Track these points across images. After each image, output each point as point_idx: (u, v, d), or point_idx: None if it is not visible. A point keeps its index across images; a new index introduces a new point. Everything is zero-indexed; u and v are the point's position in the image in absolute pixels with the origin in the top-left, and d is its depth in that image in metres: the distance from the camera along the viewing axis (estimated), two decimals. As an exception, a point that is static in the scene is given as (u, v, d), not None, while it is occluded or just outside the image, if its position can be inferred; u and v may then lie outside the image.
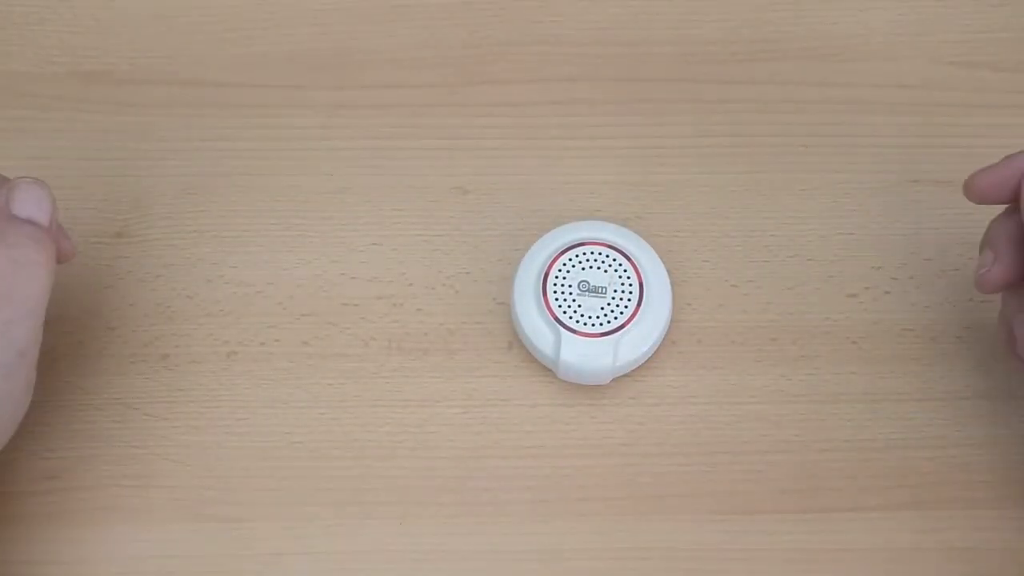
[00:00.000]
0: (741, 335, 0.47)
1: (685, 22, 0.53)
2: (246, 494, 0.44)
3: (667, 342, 0.47)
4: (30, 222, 0.38)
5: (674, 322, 0.47)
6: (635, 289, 0.45)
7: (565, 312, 0.44)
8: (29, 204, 0.38)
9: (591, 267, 0.45)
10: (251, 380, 0.46)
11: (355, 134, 0.51)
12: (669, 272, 0.46)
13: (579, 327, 0.44)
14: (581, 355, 0.44)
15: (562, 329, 0.44)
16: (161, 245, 0.49)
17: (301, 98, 0.52)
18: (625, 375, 0.46)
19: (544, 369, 0.46)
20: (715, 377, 0.46)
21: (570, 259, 0.45)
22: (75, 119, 0.51)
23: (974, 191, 0.41)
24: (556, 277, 0.45)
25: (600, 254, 0.45)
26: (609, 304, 0.44)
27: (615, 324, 0.44)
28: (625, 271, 0.45)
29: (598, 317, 0.44)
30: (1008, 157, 0.41)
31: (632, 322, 0.44)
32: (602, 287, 0.45)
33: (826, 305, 0.47)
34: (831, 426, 0.45)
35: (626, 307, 0.44)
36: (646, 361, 0.46)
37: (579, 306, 0.44)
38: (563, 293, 0.45)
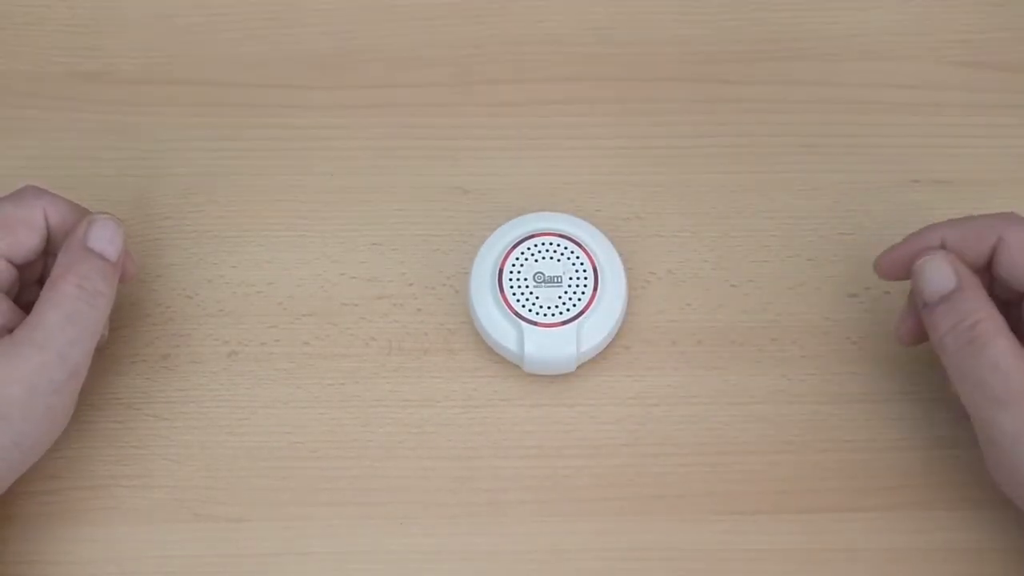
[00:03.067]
0: (741, 335, 0.47)
1: (686, 22, 0.53)
2: (246, 494, 0.44)
3: (667, 342, 0.47)
4: (101, 256, 0.41)
5: (675, 323, 0.47)
6: (589, 274, 0.45)
7: (524, 306, 0.44)
8: (103, 240, 0.42)
9: (543, 258, 0.45)
10: (251, 380, 0.46)
11: (355, 134, 0.51)
12: (620, 253, 0.46)
13: (540, 319, 0.44)
14: (545, 346, 0.44)
15: (523, 323, 0.44)
16: (161, 245, 0.49)
17: (301, 98, 0.52)
18: (626, 375, 0.46)
19: (544, 369, 0.46)
20: (715, 377, 0.46)
21: (521, 253, 0.45)
22: (75, 119, 0.51)
23: (879, 270, 0.44)
24: (511, 273, 0.45)
25: (551, 244, 0.45)
26: (566, 292, 0.45)
27: (575, 311, 0.44)
28: (578, 258, 0.45)
29: (557, 306, 0.44)
30: (908, 236, 0.43)
31: (591, 307, 0.44)
32: (557, 276, 0.45)
33: (826, 305, 0.47)
34: (831, 426, 0.45)
35: (583, 293, 0.45)
36: (647, 362, 0.46)
37: (537, 298, 0.44)
38: (519, 288, 0.45)
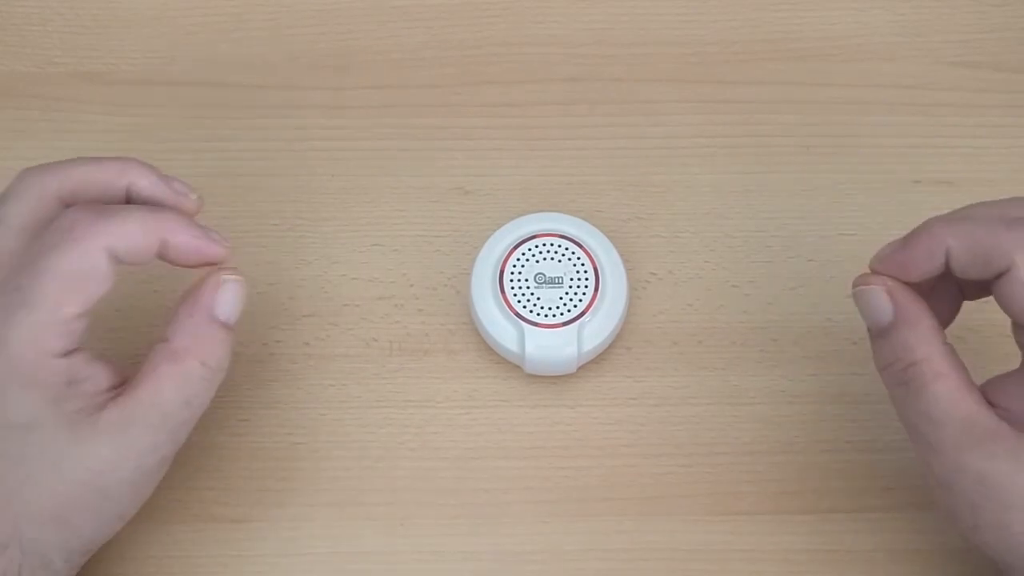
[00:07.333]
0: (742, 336, 0.47)
1: (685, 23, 0.53)
2: (247, 495, 0.44)
3: (668, 343, 0.47)
4: (226, 325, 0.40)
5: (675, 323, 0.47)
6: (590, 274, 0.45)
7: (525, 306, 0.44)
8: (230, 306, 0.40)
9: (544, 259, 0.45)
10: (252, 381, 0.46)
11: (356, 135, 0.51)
12: (621, 254, 0.46)
13: (540, 319, 0.44)
14: (546, 347, 0.44)
15: (524, 324, 0.44)
16: (162, 246, 0.49)
17: (301, 98, 0.52)
18: (627, 376, 0.46)
19: (545, 370, 0.46)
20: (716, 378, 0.46)
21: (523, 254, 0.45)
22: (76, 119, 0.51)
23: (875, 270, 0.39)
24: (512, 274, 0.45)
25: (552, 245, 0.46)
26: (567, 293, 0.45)
27: (576, 312, 0.44)
28: (579, 258, 0.45)
29: (558, 307, 0.44)
30: (909, 236, 0.38)
31: (592, 308, 0.44)
32: (558, 277, 0.45)
33: (827, 306, 0.47)
34: (832, 427, 0.45)
35: (584, 293, 0.45)
36: (648, 362, 0.46)
37: (538, 299, 0.45)
38: (520, 288, 0.45)
